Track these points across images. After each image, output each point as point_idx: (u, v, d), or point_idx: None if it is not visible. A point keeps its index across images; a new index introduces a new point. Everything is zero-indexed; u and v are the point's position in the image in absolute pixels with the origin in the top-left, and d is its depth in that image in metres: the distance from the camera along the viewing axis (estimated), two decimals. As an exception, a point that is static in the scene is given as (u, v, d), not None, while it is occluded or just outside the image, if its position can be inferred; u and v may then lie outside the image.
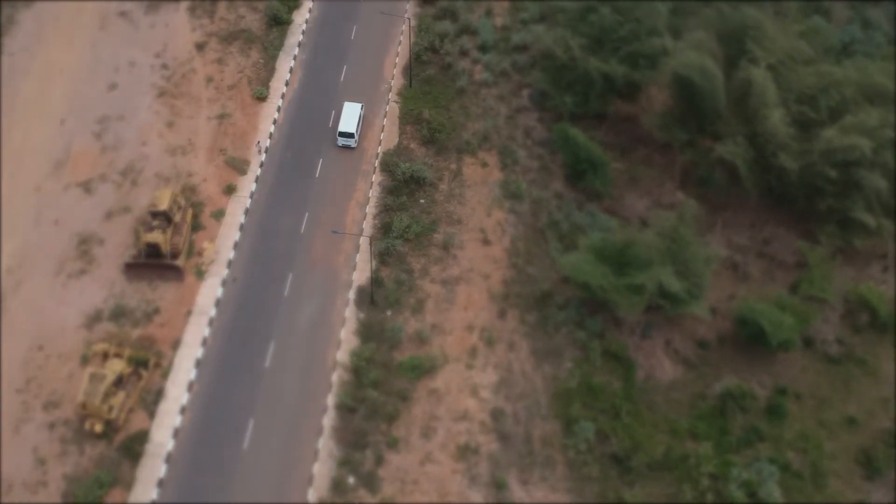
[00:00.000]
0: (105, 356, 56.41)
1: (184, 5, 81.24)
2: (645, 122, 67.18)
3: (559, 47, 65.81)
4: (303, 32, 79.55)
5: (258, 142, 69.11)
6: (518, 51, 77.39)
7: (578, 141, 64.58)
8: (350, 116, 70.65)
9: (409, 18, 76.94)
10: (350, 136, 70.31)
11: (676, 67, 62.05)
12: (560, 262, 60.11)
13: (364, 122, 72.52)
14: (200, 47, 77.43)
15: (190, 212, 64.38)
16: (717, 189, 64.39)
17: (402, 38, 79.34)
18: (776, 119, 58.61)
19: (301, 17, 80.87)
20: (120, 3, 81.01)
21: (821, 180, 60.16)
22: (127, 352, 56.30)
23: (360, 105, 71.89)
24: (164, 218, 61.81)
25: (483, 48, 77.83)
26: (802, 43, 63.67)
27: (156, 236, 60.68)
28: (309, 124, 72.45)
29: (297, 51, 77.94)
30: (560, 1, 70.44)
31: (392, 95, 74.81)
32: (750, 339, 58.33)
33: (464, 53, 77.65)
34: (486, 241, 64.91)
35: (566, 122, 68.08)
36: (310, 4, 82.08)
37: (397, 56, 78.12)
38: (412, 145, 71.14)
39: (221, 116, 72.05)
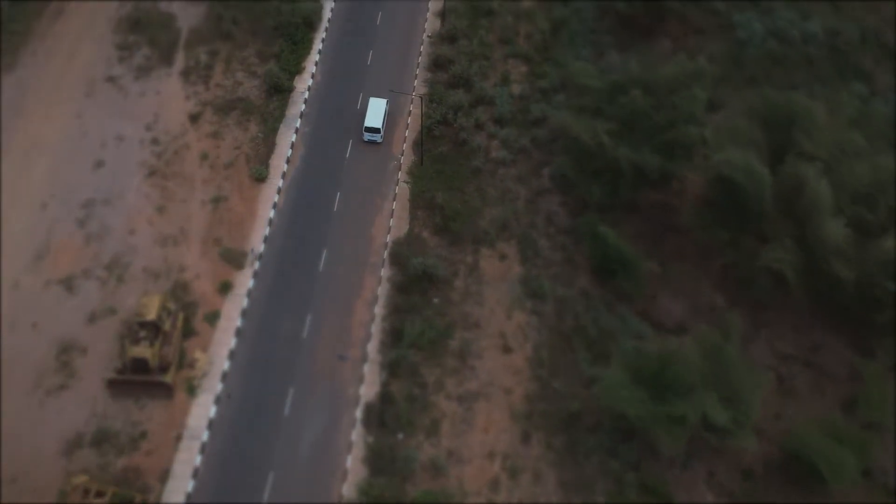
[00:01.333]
0: (85, 492, 50.55)
1: (177, 70, 75.47)
2: (682, 218, 61.18)
3: (586, 133, 59.92)
4: (305, 101, 73.72)
5: (252, 249, 62.96)
6: (537, 125, 71.53)
7: (608, 241, 58.78)
8: (376, 111, 70.20)
9: (421, 98, 70.95)
10: (376, 131, 69.82)
11: (718, 166, 56.26)
12: (594, 385, 54.41)
13: (372, 205, 66.76)
14: (194, 119, 71.63)
15: (181, 316, 58.54)
16: (761, 292, 58.50)
17: (412, 108, 73.54)
18: (833, 230, 52.83)
19: (303, 84, 75.04)
20: (108, 67, 75.28)
21: (879, 291, 54.39)
22: (110, 490, 50.45)
23: (385, 101, 71.29)
24: (153, 328, 55.99)
25: (500, 121, 72.00)
26: (856, 134, 57.85)
27: (143, 350, 54.87)
28: (312, 208, 66.59)
29: (298, 122, 72.09)
30: (585, 79, 64.48)
31: (402, 174, 68.94)
32: (801, 471, 52.55)
33: (479, 127, 71.80)
34: (506, 349, 59.07)
35: (593, 215, 62.37)
36: (312, 69, 76.27)
37: (407, 128, 72.30)
38: (424, 234, 65.29)
39: (217, 200, 66.19)
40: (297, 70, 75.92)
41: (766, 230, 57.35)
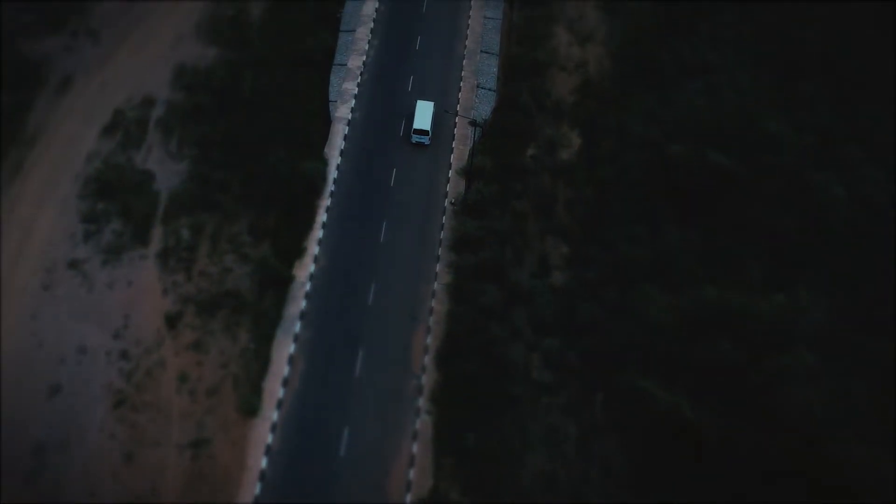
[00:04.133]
0: None
1: (153, 250, 63.44)
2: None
3: (664, 404, 47.83)
4: (306, 296, 61.56)
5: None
6: (586, 332, 59.33)
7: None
8: (423, 114, 70.58)
9: (445, 317, 59.03)
10: (424, 133, 70.19)
11: (835, 462, 44.14)
12: None
13: (388, 446, 54.60)
14: (173, 322, 59.49)
15: None
16: None
17: (433, 304, 61.44)
18: None
19: (304, 271, 62.91)
20: (72, 247, 63.21)
21: None
22: None
23: (432, 103, 71.81)
24: None
25: (540, 325, 59.87)
26: None
27: None
28: (313, 453, 54.35)
29: (298, 326, 59.94)
30: (650, 308, 52.32)
31: (423, 401, 56.76)
32: None
33: (515, 333, 59.66)
34: None
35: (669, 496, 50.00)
36: (315, 250, 64.16)
37: (429, 334, 60.09)
38: (453, 494, 52.95)
39: (197, 445, 53.93)
40: (298, 253, 63.80)
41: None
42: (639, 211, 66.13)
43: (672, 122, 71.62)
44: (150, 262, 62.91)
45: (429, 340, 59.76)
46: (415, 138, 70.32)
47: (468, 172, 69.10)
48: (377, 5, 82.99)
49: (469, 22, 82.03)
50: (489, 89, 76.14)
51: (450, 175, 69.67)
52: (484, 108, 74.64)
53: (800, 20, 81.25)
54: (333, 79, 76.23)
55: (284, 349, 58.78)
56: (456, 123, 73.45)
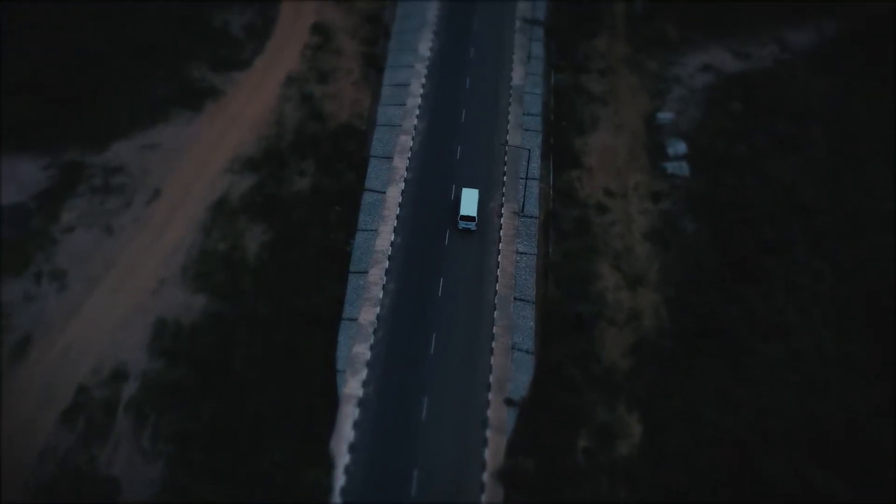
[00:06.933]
0: None
1: None
2: None
3: None
4: None
5: None
6: None
7: None
8: (469, 200, 72.09)
9: None
10: (471, 219, 71.43)
11: None
12: None
13: None
14: None
15: None
16: None
17: None
18: None
19: None
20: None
21: None
22: None
23: (476, 190, 73.52)
24: None
25: None
26: None
27: None
28: None
29: None
30: None
31: None
32: None
33: None
34: None
35: None
36: None
37: None
38: None
39: None
40: None
41: None
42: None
43: (751, 404, 59.42)
44: None
45: None
46: (461, 224, 71.57)
47: (506, 477, 56.31)
48: (393, 238, 71.72)
49: (499, 259, 70.56)
50: (526, 351, 64.04)
51: (484, 479, 56.68)
52: (522, 377, 62.33)
53: (883, 256, 70.15)
54: (342, 339, 64.11)
55: None
56: (489, 402, 61.00)
